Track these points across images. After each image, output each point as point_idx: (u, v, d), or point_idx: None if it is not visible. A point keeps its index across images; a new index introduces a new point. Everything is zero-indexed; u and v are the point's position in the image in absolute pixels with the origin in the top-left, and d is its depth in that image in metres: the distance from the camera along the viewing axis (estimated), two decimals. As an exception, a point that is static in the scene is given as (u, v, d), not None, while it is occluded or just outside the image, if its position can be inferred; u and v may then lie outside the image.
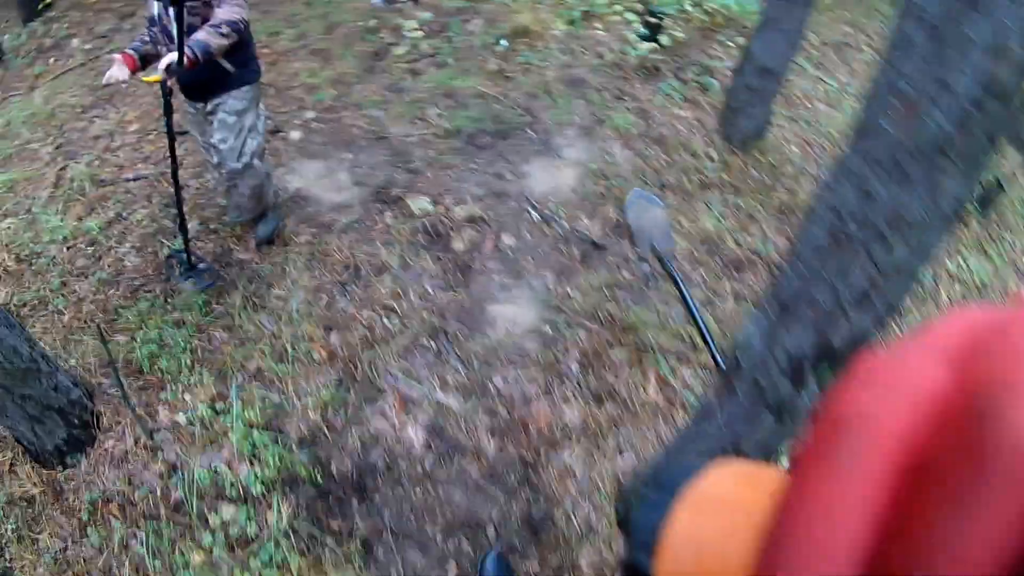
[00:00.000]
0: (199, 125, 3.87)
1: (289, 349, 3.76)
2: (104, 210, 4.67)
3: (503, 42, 6.03)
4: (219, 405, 3.51)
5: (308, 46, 6.22)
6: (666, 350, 3.96)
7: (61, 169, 5.04)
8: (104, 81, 3.44)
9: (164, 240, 4.41)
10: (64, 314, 3.96)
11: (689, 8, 6.38)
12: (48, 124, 5.71)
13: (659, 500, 0.36)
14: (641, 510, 0.36)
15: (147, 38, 3.51)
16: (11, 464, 3.29)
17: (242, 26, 3.39)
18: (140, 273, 4.23)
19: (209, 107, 3.70)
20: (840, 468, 0.22)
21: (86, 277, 4.20)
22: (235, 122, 3.71)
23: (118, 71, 3.41)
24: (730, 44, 6.40)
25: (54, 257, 4.30)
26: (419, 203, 4.65)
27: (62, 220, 4.58)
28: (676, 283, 4.31)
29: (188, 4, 3.14)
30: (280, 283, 4.12)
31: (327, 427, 3.47)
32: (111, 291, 4.11)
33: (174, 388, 3.58)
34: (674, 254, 4.52)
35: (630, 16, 6.23)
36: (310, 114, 5.44)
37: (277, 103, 5.56)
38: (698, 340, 4.06)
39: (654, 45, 5.91)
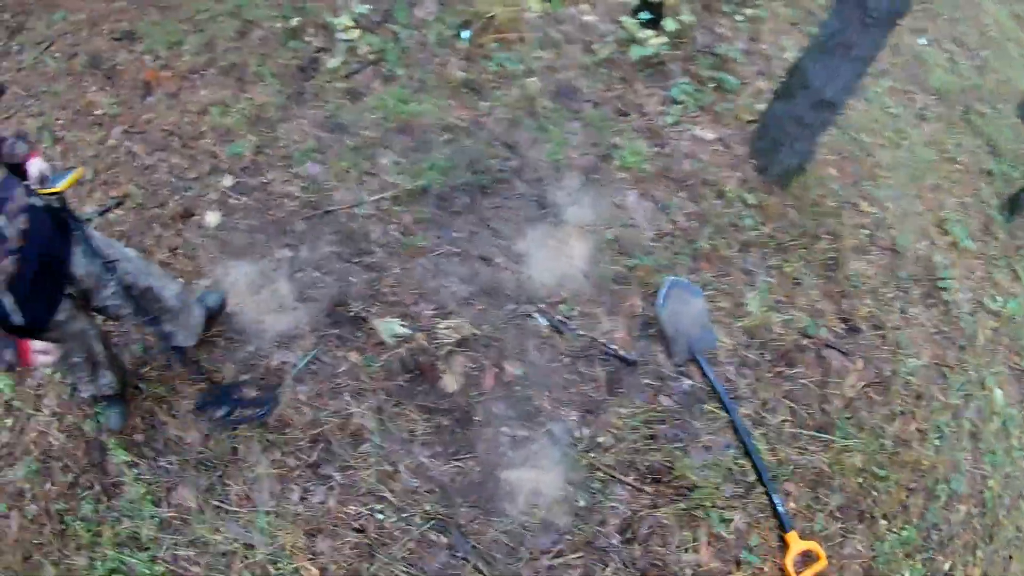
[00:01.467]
0: None
1: (271, 569, 2.93)
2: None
3: (464, 34, 4.65)
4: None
5: (217, 61, 4.69)
6: (716, 496, 3.31)
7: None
8: None
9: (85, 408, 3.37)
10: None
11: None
12: None
13: None
14: None
15: None
16: None
17: None
18: (70, 456, 3.27)
19: None
20: None
21: (14, 464, 3.31)
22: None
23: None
24: (738, 18, 5.18)
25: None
26: (389, 326, 3.57)
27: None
28: (723, 403, 3.57)
29: None
30: (236, 475, 3.17)
31: None
32: (47, 486, 3.21)
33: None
34: (715, 355, 3.65)
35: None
36: (227, 180, 4.12)
37: (184, 163, 4.21)
38: (749, 472, 3.45)
39: (656, 33, 4.63)
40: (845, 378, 3.81)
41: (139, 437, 3.30)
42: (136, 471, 3.18)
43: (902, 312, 4.17)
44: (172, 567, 2.98)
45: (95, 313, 2.81)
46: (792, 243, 4.12)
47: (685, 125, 4.39)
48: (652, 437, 3.41)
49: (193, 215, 3.98)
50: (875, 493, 3.61)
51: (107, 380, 3.02)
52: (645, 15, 4.63)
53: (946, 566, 3.68)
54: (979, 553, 3.79)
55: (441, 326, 3.57)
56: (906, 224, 4.56)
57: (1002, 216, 4.97)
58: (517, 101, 4.35)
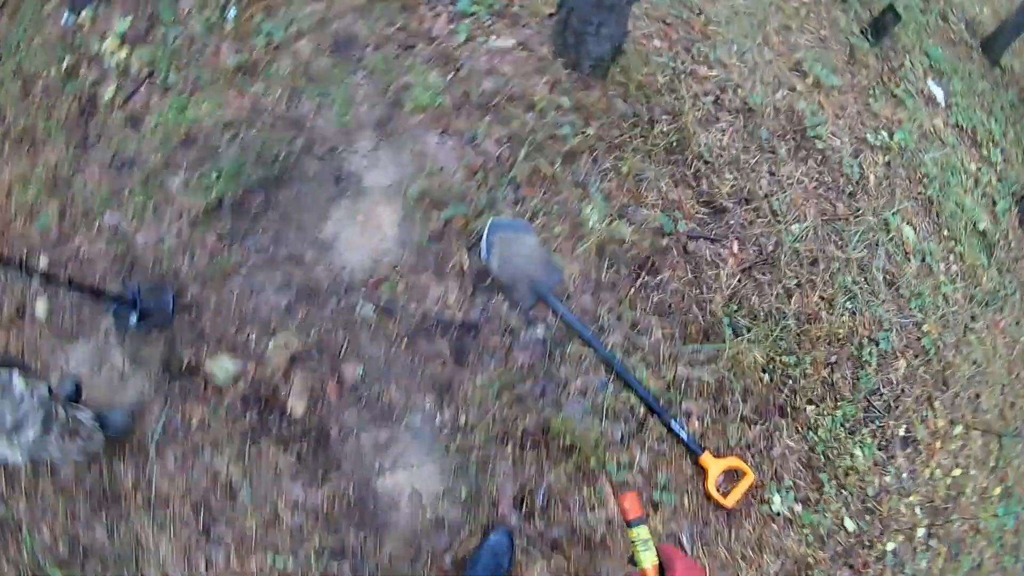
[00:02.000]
0: None
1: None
2: None
3: (231, 11, 4.18)
4: None
5: (10, 131, 4.33)
6: (606, 441, 3.10)
7: None
8: None
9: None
10: None
11: None
12: None
13: None
14: None
15: None
16: None
17: None
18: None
19: None
20: None
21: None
22: None
23: None
24: None
25: None
26: (220, 366, 3.31)
27: None
28: (585, 339, 3.25)
29: None
30: (147, 562, 3.07)
31: None
32: None
33: None
34: (564, 288, 3.27)
35: None
36: (43, 261, 3.81)
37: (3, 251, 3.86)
38: (637, 405, 3.20)
39: None
40: (721, 268, 3.44)
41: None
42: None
43: (772, 175, 3.75)
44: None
45: None
46: (624, 136, 3.71)
47: (479, 39, 3.93)
48: (519, 399, 3.16)
49: (25, 310, 3.71)
50: (790, 382, 3.25)
51: None
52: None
53: (901, 430, 3.31)
54: (937, 404, 3.42)
55: (269, 348, 3.31)
56: (756, 77, 4.06)
57: (867, 42, 4.38)
58: (293, 70, 3.93)
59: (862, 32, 4.53)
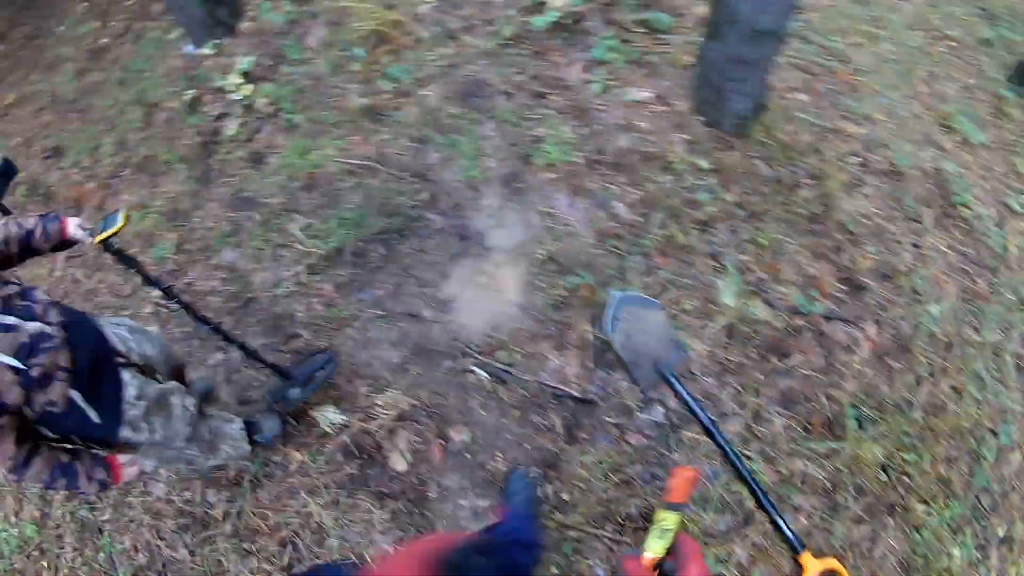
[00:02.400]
0: None
1: None
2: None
3: (357, 51, 4.11)
4: None
5: (131, 158, 4.38)
6: (709, 532, 2.94)
7: None
8: None
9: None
10: None
11: None
12: None
13: None
14: None
15: None
16: None
17: None
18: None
19: None
20: None
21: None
22: None
23: None
24: None
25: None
26: (326, 415, 3.28)
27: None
28: (703, 425, 3.11)
29: None
30: None
31: None
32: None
33: None
34: (688, 369, 3.17)
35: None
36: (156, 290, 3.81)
37: (119, 280, 4.00)
38: (747, 497, 3.03)
39: None
40: (855, 352, 3.27)
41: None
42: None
43: (915, 247, 3.51)
44: None
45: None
46: (765, 204, 3.51)
47: (615, 90, 3.77)
48: (626, 483, 3.02)
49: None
50: (907, 479, 3.08)
51: (238, 436, 2.94)
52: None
53: (1001, 529, 3.14)
54: None
55: (378, 402, 3.27)
56: (904, 134, 3.81)
57: (1012, 90, 4.06)
58: (420, 115, 3.84)
59: (1008, 78, 4.18)
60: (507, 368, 3.26)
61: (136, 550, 3.22)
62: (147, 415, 2.35)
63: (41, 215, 2.34)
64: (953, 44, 4.29)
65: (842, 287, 3.40)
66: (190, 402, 2.57)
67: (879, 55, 4.06)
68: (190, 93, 4.31)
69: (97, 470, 2.18)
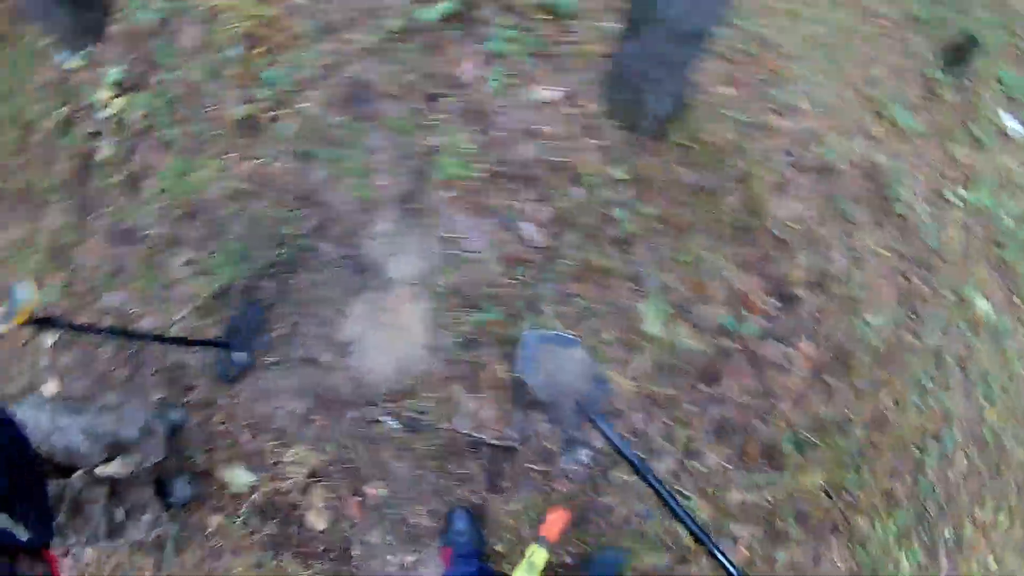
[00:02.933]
0: None
1: None
2: None
3: (232, 52, 3.66)
4: None
5: (7, 188, 3.91)
6: (649, 575, 2.83)
7: None
8: None
9: None
10: None
11: None
12: None
13: None
14: None
15: None
16: None
17: None
18: None
19: None
20: None
21: None
22: None
23: None
24: None
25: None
26: (235, 475, 3.08)
27: None
28: (631, 463, 2.89)
29: None
30: None
31: None
32: None
33: None
34: (613, 405, 2.97)
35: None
36: (48, 337, 3.50)
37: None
38: (683, 533, 2.89)
39: None
40: (790, 372, 3.10)
41: None
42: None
43: (849, 251, 3.27)
44: None
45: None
46: (688, 215, 3.24)
47: (517, 89, 3.40)
48: None
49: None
50: (849, 497, 2.97)
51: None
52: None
53: (948, 533, 3.03)
54: (986, 494, 3.09)
55: (286, 459, 3.05)
56: (834, 125, 3.51)
57: (944, 72, 3.77)
58: (300, 129, 3.45)
59: (938, 59, 3.88)
60: (418, 416, 3.02)
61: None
62: (68, 520, 2.23)
63: None
64: (884, 23, 3.94)
65: (773, 301, 3.17)
66: (100, 495, 2.39)
67: (806, 37, 3.72)
68: (62, 111, 3.85)
69: (36, 565, 1.88)
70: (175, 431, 3.07)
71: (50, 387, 3.42)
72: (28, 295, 2.16)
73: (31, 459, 2.04)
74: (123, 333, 2.97)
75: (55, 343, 3.49)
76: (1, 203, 3.86)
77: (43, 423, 2.26)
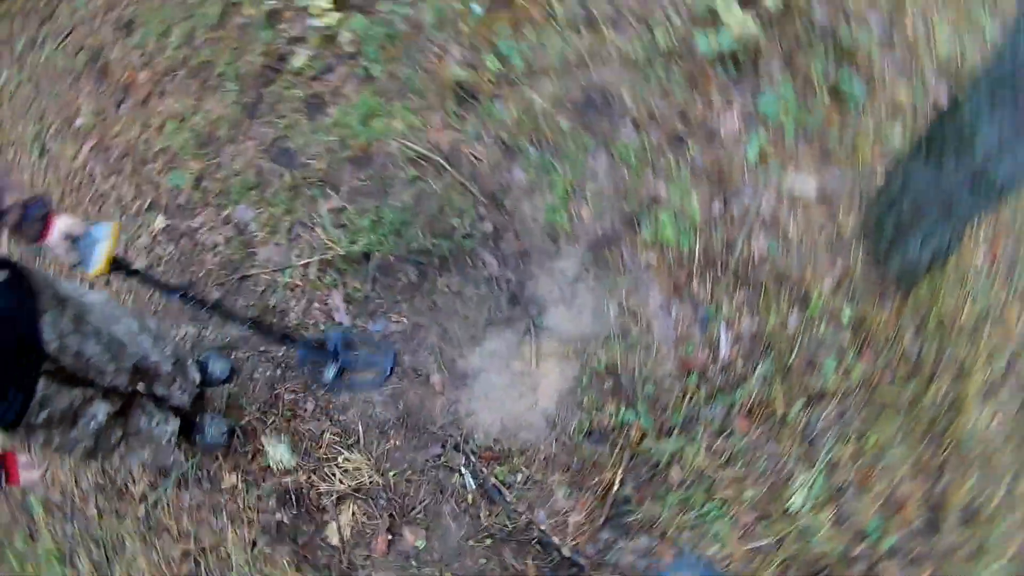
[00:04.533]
0: None
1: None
2: None
3: (476, 7, 3.21)
4: None
5: (191, 59, 3.68)
6: None
7: None
8: None
9: None
10: None
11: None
12: None
13: None
14: None
15: None
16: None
17: None
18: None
19: None
20: None
21: None
22: None
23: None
24: None
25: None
26: (278, 451, 2.80)
27: None
28: None
29: None
30: (119, 561, 2.91)
31: None
32: None
33: None
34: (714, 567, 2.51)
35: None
36: (160, 221, 3.28)
37: (130, 194, 3.43)
38: None
39: (749, 10, 2.92)
40: None
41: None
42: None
43: (1008, 493, 2.55)
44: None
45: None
46: (893, 391, 2.59)
47: (773, 164, 2.79)
48: None
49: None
50: None
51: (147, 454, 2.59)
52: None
53: None
54: None
55: (340, 460, 2.74)
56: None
57: None
58: (518, 118, 2.98)
59: None
60: (501, 485, 2.61)
61: (52, 486, 3.07)
62: (48, 425, 2.07)
63: (27, 199, 1.91)
64: None
65: (923, 516, 2.53)
66: (102, 414, 2.23)
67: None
68: (273, 3, 3.54)
69: None
70: (219, 381, 2.96)
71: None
72: (107, 239, 1.99)
73: (38, 355, 2.00)
74: (219, 309, 2.69)
75: (165, 226, 3.33)
76: (178, 72, 3.63)
77: (65, 325, 2.08)
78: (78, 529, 3.02)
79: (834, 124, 2.85)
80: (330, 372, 2.81)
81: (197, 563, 2.78)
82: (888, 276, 2.66)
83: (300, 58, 3.37)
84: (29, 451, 2.81)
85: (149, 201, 3.42)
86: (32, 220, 1.91)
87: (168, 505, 2.90)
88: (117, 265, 2.04)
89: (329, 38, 3.36)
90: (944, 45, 2.87)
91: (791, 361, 2.60)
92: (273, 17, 3.51)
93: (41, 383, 2.01)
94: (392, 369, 2.81)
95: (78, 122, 3.79)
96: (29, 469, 2.01)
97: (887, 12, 2.97)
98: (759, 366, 2.60)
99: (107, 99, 3.76)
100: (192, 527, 2.84)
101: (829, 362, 2.58)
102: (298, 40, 3.43)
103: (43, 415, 2.03)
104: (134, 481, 2.97)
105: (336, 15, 3.33)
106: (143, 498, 2.93)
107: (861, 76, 2.88)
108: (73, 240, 1.98)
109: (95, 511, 3.01)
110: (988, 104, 2.71)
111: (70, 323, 2.12)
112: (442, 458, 2.68)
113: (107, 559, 2.93)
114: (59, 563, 3.00)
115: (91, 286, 2.98)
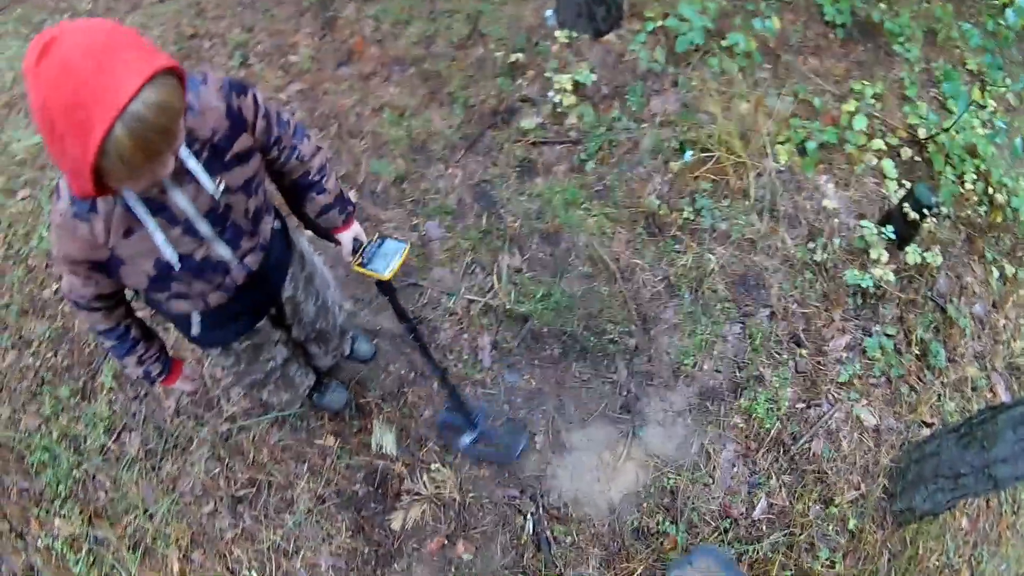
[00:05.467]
0: None
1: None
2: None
3: (688, 153, 3.83)
4: None
5: (424, 61, 4.11)
6: None
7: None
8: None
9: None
10: None
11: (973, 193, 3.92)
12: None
13: None
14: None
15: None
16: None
17: None
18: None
19: None
20: None
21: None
22: None
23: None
24: (995, 272, 3.91)
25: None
26: (386, 438, 3.36)
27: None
28: None
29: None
30: (181, 464, 3.32)
31: None
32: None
33: None
34: None
35: (888, 171, 3.85)
36: (352, 195, 3.74)
37: (326, 154, 3.88)
38: None
39: (890, 259, 3.65)
40: None
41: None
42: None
43: None
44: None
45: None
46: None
47: (853, 393, 3.52)
48: None
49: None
50: None
51: (286, 397, 2.97)
52: (891, 230, 3.60)
53: None
54: None
55: (432, 467, 3.30)
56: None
57: None
58: (688, 268, 3.65)
59: None
60: (551, 540, 3.24)
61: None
62: (241, 352, 2.39)
63: (343, 195, 2.27)
64: None
65: None
66: (280, 357, 2.61)
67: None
68: (518, 55, 4.03)
69: (154, 365, 2.14)
70: (358, 360, 3.42)
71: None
72: (393, 254, 2.22)
73: (270, 304, 2.38)
74: (420, 342, 2.76)
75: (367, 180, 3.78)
76: (409, 69, 4.06)
77: (297, 286, 2.42)
78: (146, 413, 3.40)
79: (911, 379, 3.56)
80: (467, 439, 3.20)
81: (258, 495, 3.20)
82: (891, 509, 3.41)
83: (531, 120, 3.88)
84: (201, 364, 3.39)
85: (344, 172, 3.86)
86: (333, 216, 2.27)
87: (255, 437, 3.32)
88: (387, 287, 2.29)
89: (559, 115, 3.88)
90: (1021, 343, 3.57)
91: (798, 539, 3.34)
92: (515, 68, 3.99)
93: (264, 320, 2.34)
94: (523, 451, 3.25)
95: (292, 58, 4.08)
96: (186, 381, 2.27)
97: (990, 300, 3.66)
98: (774, 534, 3.38)
99: (328, 53, 4.09)
100: (267, 461, 3.25)
101: (824, 552, 3.35)
102: (526, 103, 3.93)
103: (246, 343, 2.34)
104: (228, 400, 3.40)
105: (573, 98, 3.86)
106: (232, 418, 3.36)
107: (947, 348, 3.59)
108: (358, 244, 2.32)
109: (174, 406, 3.40)
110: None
111: (303, 281, 2.43)
112: (517, 500, 3.26)
113: (163, 450, 3.32)
114: (105, 433, 3.36)
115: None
